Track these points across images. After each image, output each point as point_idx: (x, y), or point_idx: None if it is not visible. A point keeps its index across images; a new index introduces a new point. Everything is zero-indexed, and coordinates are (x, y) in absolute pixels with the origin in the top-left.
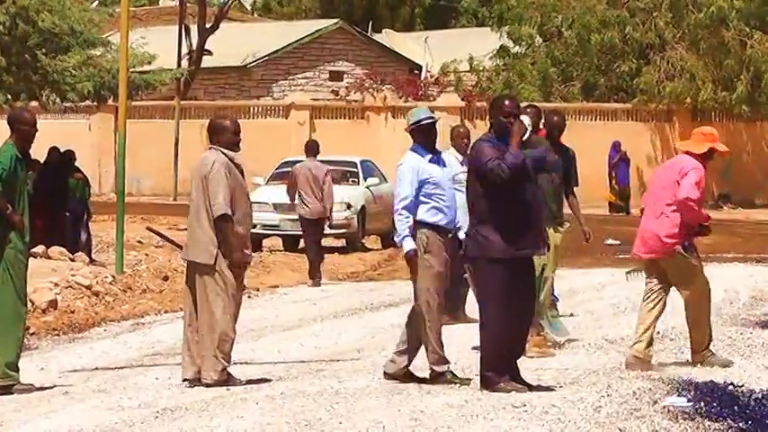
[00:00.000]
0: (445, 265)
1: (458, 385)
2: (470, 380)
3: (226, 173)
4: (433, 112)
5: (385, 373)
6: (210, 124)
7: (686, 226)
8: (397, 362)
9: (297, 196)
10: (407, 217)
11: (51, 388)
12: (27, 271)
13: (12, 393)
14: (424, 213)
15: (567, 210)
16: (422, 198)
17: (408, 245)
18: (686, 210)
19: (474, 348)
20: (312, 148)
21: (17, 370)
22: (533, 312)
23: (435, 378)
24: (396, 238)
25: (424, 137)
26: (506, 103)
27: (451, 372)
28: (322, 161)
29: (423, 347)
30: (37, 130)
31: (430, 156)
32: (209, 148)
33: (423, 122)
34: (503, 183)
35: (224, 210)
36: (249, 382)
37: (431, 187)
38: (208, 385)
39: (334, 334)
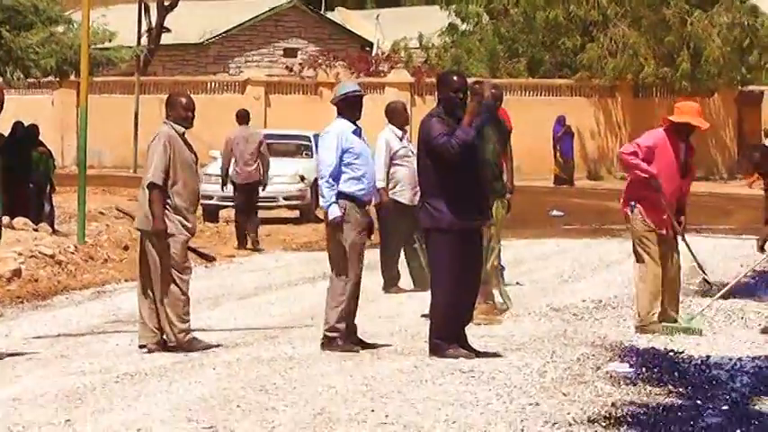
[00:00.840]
0: (361, 236)
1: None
2: (358, 349)
3: (166, 144)
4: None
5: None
6: (167, 99)
7: (635, 189)
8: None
9: (233, 164)
10: (333, 185)
11: (16, 355)
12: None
13: None
14: (342, 183)
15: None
16: (342, 168)
17: (336, 211)
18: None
19: (423, 316)
20: (243, 116)
21: None
22: (480, 282)
23: (326, 344)
24: (322, 204)
25: (350, 109)
26: (455, 78)
27: (342, 340)
28: (279, 134)
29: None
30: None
31: (354, 128)
32: (163, 122)
33: (350, 95)
34: (452, 158)
35: (151, 179)
36: (206, 347)
37: (351, 157)
38: (172, 348)
39: (289, 302)
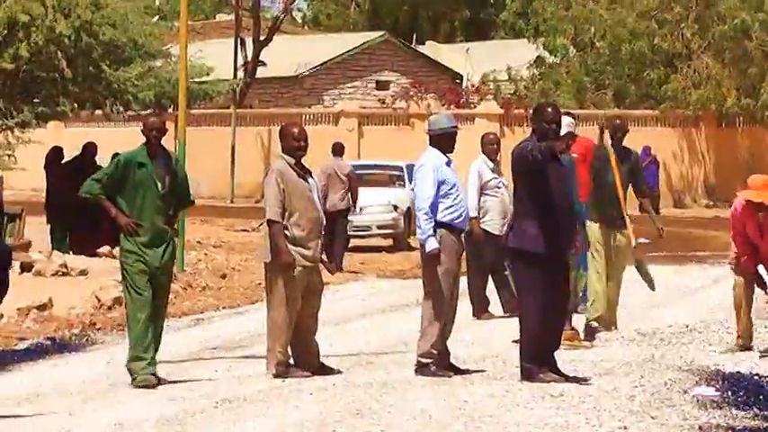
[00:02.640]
0: (457, 264)
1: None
2: (451, 375)
3: (277, 179)
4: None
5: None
6: (279, 131)
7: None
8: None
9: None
10: (431, 217)
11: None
12: (139, 273)
13: None
14: (440, 213)
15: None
16: (439, 199)
17: (433, 243)
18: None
19: (514, 341)
20: (338, 149)
21: None
22: (567, 307)
23: (419, 369)
24: (419, 237)
25: (445, 143)
26: (549, 110)
27: (435, 365)
28: (372, 165)
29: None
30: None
31: (446, 159)
32: (278, 155)
33: (447, 130)
34: (536, 163)
35: (269, 215)
36: (302, 376)
37: (447, 188)
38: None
39: (383, 328)
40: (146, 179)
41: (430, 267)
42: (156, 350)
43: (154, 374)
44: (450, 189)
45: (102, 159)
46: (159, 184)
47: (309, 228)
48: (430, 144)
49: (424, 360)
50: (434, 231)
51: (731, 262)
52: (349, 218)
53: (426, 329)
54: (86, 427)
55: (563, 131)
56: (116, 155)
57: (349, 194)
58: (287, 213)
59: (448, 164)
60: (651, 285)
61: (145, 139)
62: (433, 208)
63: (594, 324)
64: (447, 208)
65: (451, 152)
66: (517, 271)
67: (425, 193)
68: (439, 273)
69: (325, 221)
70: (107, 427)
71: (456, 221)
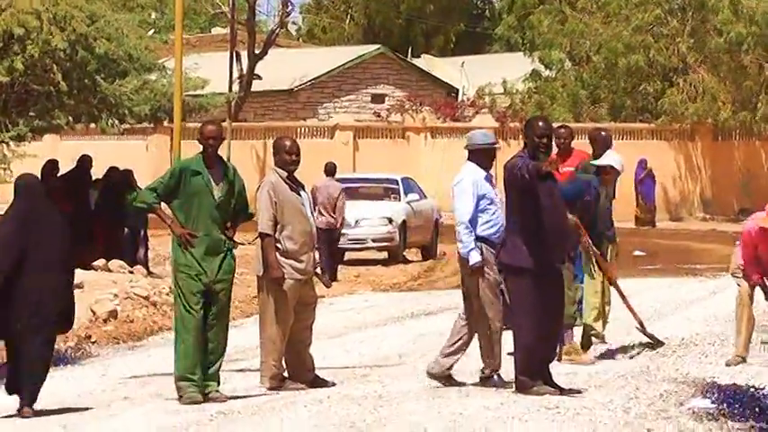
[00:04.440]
0: (495, 276)
1: (503, 389)
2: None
3: (270, 192)
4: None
5: (428, 373)
6: (273, 144)
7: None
8: (441, 363)
9: (316, 210)
10: (471, 230)
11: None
12: (193, 292)
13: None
14: (478, 227)
15: None
16: (477, 214)
17: (477, 257)
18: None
19: (509, 354)
20: (330, 170)
21: None
22: (561, 321)
23: (485, 380)
24: (462, 251)
25: (484, 159)
26: (540, 124)
27: (499, 376)
28: (367, 178)
29: (463, 352)
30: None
31: (486, 174)
32: (271, 168)
33: (485, 146)
34: (524, 182)
35: (260, 228)
36: (297, 389)
37: (486, 203)
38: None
39: (378, 341)
40: (201, 188)
41: (473, 282)
42: (219, 365)
43: (204, 392)
44: (489, 204)
45: (98, 172)
46: (215, 194)
47: (302, 241)
48: (468, 159)
49: (489, 372)
50: (476, 245)
51: (736, 271)
52: (344, 231)
53: (485, 345)
54: None
55: (604, 161)
56: (112, 168)
57: (336, 212)
58: (279, 226)
59: (487, 179)
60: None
61: (201, 147)
62: (473, 222)
63: (593, 338)
64: (485, 222)
65: (490, 168)
66: (510, 285)
67: (465, 208)
68: (482, 287)
69: (317, 236)
70: None
71: (494, 236)
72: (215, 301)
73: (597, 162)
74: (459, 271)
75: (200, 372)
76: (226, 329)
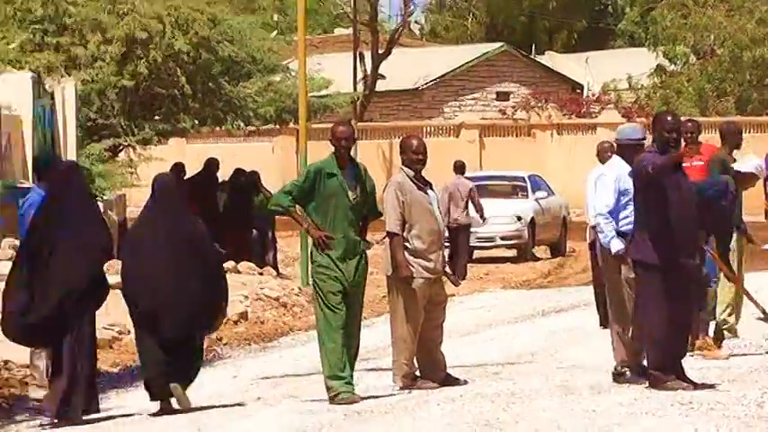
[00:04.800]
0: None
1: (636, 385)
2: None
3: (396, 192)
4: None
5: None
6: (400, 143)
7: None
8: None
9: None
10: (611, 220)
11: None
12: (333, 292)
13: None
14: (619, 222)
15: None
16: (619, 207)
17: (618, 244)
18: None
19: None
20: (459, 167)
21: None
22: (693, 315)
23: (618, 376)
24: (603, 241)
25: (632, 153)
26: (668, 118)
27: (635, 370)
28: (494, 176)
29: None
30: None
31: (629, 169)
32: (399, 168)
33: (634, 141)
34: (648, 178)
35: (388, 227)
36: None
37: (626, 199)
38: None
39: (509, 338)
40: (336, 189)
41: (614, 273)
42: (352, 367)
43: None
44: (629, 201)
45: (224, 175)
46: (350, 195)
47: (430, 240)
48: (616, 153)
49: (656, 373)
50: (617, 234)
51: None
52: (473, 229)
53: (620, 340)
54: None
55: (745, 167)
56: (238, 170)
57: (468, 210)
58: (407, 226)
59: (631, 174)
60: None
61: (333, 149)
62: (613, 213)
63: (726, 333)
64: (625, 218)
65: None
66: (640, 282)
67: (605, 201)
68: (622, 279)
69: (447, 235)
70: None
71: (630, 231)
72: (350, 303)
73: (738, 167)
74: (591, 268)
75: (349, 369)
76: (358, 332)
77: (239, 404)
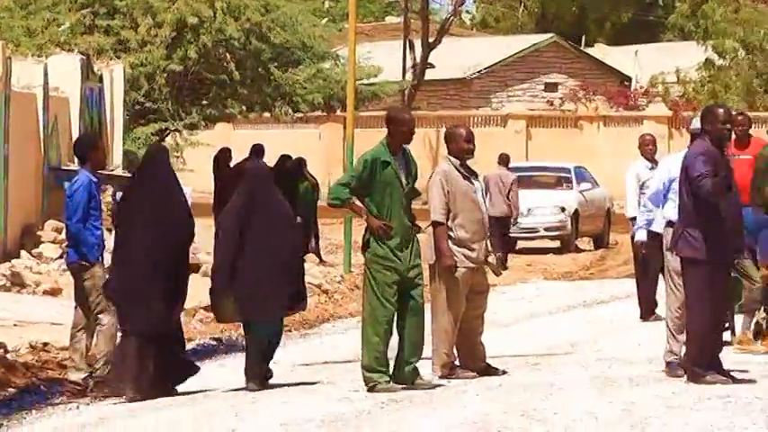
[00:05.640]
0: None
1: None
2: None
3: (441, 180)
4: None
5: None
6: (445, 133)
7: None
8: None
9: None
10: (650, 209)
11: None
12: (390, 283)
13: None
14: (670, 211)
15: None
16: (669, 196)
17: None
18: None
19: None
20: (503, 159)
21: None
22: (729, 310)
23: (670, 365)
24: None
25: None
26: (721, 111)
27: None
28: (540, 167)
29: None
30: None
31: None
32: (444, 157)
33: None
34: (704, 197)
35: (433, 216)
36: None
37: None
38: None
39: (549, 329)
40: (391, 178)
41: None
42: (418, 355)
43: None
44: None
45: (270, 161)
46: (404, 181)
47: (474, 229)
48: (691, 142)
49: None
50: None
51: None
52: (517, 220)
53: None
54: (252, 427)
55: None
56: (284, 156)
57: (510, 201)
58: (451, 215)
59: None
60: None
61: (392, 135)
62: (656, 202)
63: (763, 326)
64: (674, 206)
65: None
66: (686, 278)
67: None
68: (671, 269)
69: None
70: (272, 426)
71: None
72: (411, 286)
73: None
74: (633, 260)
75: (387, 362)
76: (423, 321)
77: (278, 388)
